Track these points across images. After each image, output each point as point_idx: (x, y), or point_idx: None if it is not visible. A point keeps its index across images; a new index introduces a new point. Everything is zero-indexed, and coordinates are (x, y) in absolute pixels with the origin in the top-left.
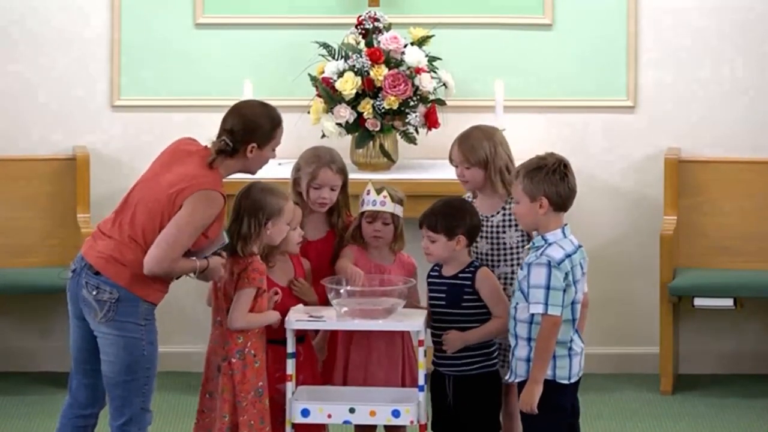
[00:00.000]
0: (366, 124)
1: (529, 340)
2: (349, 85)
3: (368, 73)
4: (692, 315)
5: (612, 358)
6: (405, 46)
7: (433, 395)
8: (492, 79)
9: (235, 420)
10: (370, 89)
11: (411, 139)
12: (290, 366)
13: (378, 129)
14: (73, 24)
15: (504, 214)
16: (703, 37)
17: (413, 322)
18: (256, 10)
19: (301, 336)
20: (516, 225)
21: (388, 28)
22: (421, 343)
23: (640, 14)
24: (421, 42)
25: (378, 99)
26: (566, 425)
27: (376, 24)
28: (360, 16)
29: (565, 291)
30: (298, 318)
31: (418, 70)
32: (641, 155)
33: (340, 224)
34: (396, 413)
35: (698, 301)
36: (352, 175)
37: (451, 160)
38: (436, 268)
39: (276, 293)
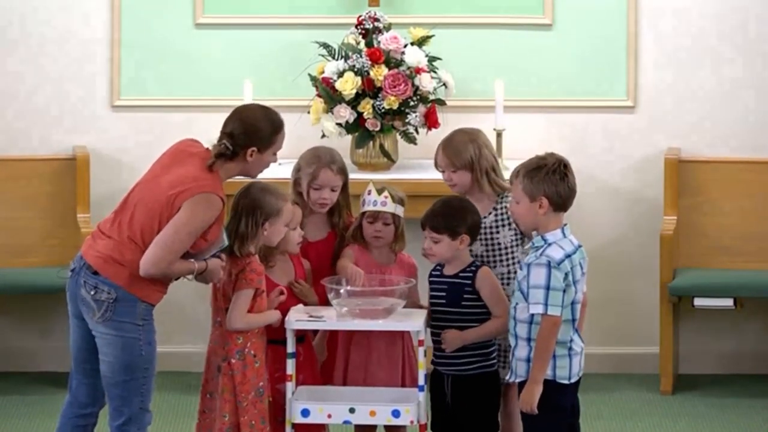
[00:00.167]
0: (366, 124)
1: (529, 340)
2: (349, 85)
3: (368, 73)
4: (692, 315)
5: (612, 358)
6: (405, 46)
7: (432, 395)
8: (492, 79)
9: (236, 420)
10: (370, 89)
11: (411, 139)
12: (290, 366)
13: (378, 129)
14: (73, 24)
15: (496, 215)
16: (703, 37)
17: (413, 322)
18: (256, 10)
19: (301, 336)
20: (509, 224)
21: (388, 28)
22: (421, 343)
23: (640, 14)
24: (421, 42)
25: (378, 99)
26: (566, 425)
27: (376, 24)
28: (360, 16)
29: (564, 291)
30: (298, 318)
31: (418, 70)
32: (641, 155)
33: (341, 225)
34: (396, 413)
35: (698, 301)
36: (352, 176)
37: (436, 165)
38: (438, 267)
39: (281, 293)
